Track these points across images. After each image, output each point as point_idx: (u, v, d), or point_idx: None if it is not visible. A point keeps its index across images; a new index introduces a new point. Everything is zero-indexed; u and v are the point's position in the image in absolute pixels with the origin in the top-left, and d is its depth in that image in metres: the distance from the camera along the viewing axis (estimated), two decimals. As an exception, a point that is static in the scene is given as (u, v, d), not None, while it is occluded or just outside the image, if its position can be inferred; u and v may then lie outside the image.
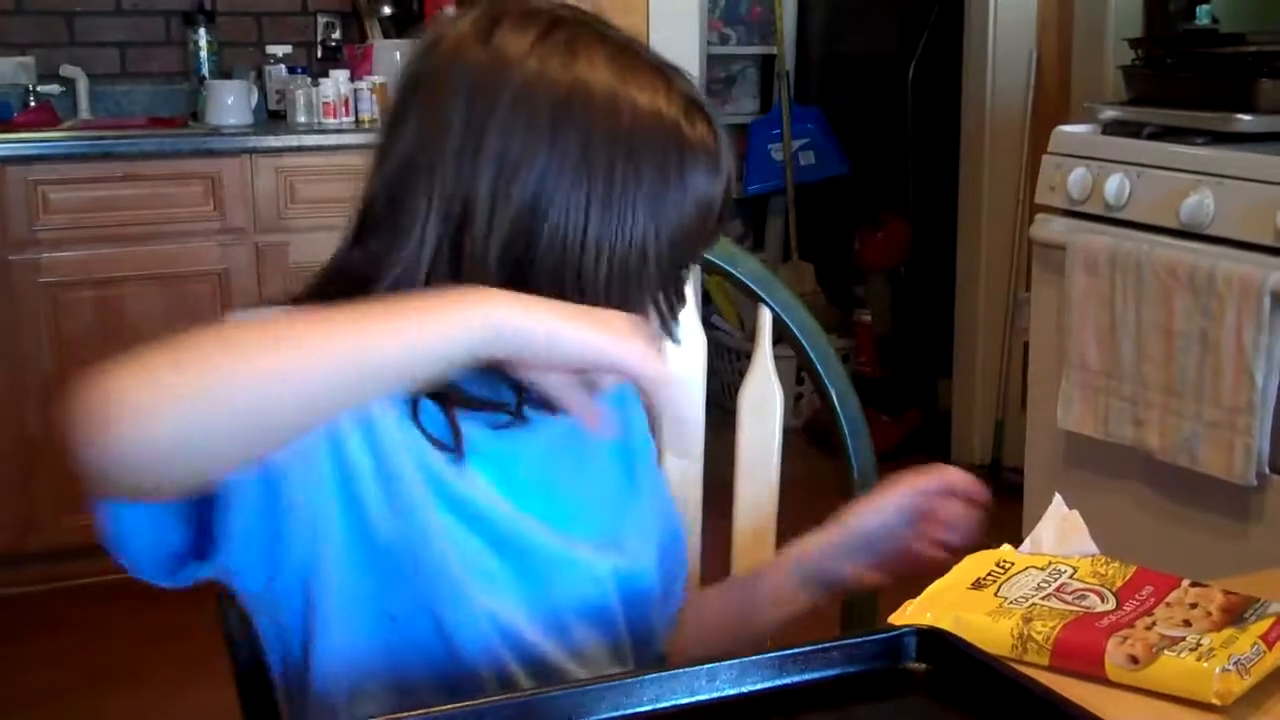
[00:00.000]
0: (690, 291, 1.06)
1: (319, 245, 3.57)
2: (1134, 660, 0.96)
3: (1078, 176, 2.75)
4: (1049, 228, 2.83)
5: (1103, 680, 0.97)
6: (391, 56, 3.79)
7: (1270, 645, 0.96)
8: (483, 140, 0.97)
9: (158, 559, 0.93)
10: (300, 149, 3.43)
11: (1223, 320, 2.40)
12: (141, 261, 3.32)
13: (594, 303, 0.95)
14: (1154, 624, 1.00)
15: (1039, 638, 1.00)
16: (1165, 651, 0.96)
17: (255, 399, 0.78)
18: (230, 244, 3.38)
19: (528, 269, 0.96)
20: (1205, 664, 0.94)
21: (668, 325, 1.03)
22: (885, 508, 1.16)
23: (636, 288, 0.99)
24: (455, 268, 0.97)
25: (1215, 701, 0.93)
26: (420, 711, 0.87)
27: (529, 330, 0.85)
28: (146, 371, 0.77)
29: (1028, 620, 1.01)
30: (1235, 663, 0.94)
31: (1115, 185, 2.66)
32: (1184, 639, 0.97)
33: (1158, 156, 2.63)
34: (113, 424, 0.75)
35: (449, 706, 0.87)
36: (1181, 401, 2.49)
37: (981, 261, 3.95)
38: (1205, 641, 0.97)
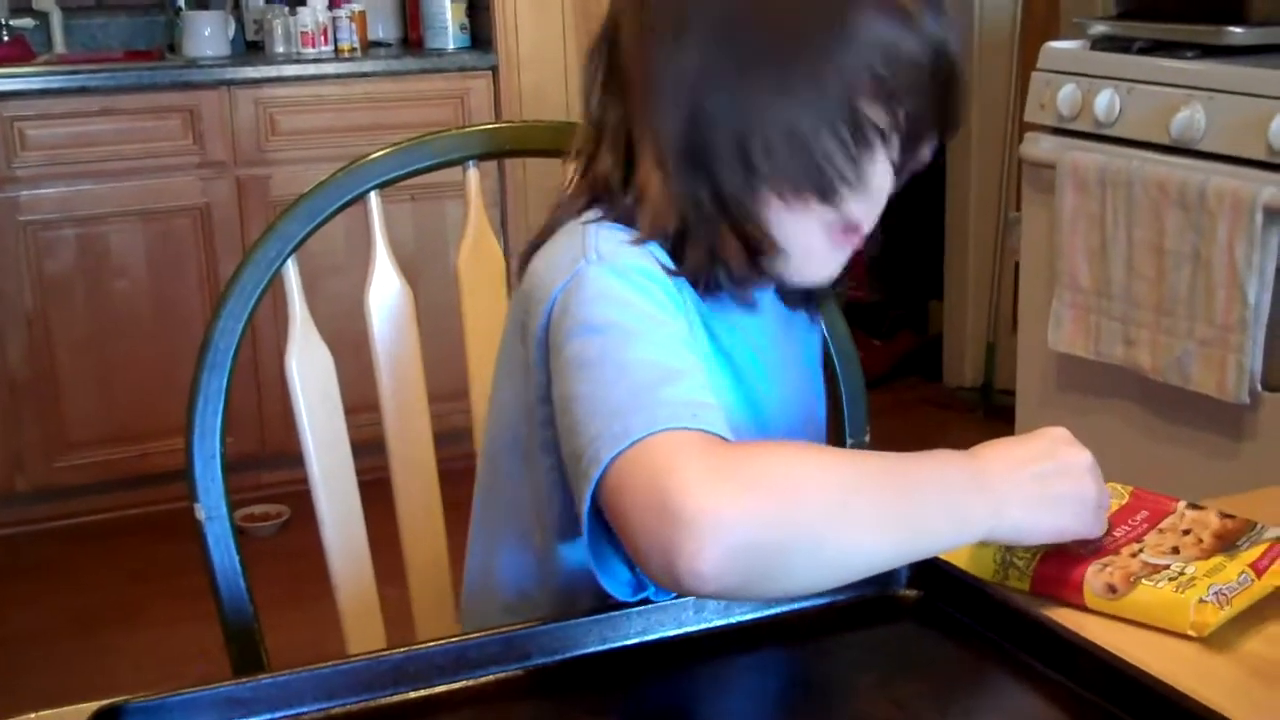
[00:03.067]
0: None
1: (301, 177, 3.55)
2: (1112, 589, 0.95)
3: (1067, 93, 2.71)
4: (1039, 146, 2.80)
5: (1082, 608, 0.96)
6: (370, -17, 3.73)
7: (1260, 573, 0.94)
8: (653, 19, 0.98)
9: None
10: (279, 80, 3.38)
11: (1214, 237, 2.38)
12: (122, 197, 3.29)
13: (769, 178, 0.96)
14: (1140, 551, 0.99)
15: (1020, 564, 0.98)
16: (1143, 581, 0.94)
17: (829, 562, 0.87)
18: (211, 178, 3.35)
19: (703, 153, 0.96)
20: (1182, 594, 0.92)
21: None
22: None
23: (824, 160, 0.95)
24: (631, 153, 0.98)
25: (1191, 633, 0.91)
26: (403, 649, 0.86)
27: (1027, 525, 0.94)
28: (754, 520, 0.82)
29: (1010, 547, 0.99)
30: (1215, 593, 0.92)
31: (1105, 102, 2.63)
32: (1167, 567, 0.96)
33: (1148, 71, 2.60)
34: (709, 560, 0.80)
35: (431, 642, 0.86)
36: (1173, 320, 2.47)
37: (971, 182, 3.93)
38: (1189, 570, 0.95)
